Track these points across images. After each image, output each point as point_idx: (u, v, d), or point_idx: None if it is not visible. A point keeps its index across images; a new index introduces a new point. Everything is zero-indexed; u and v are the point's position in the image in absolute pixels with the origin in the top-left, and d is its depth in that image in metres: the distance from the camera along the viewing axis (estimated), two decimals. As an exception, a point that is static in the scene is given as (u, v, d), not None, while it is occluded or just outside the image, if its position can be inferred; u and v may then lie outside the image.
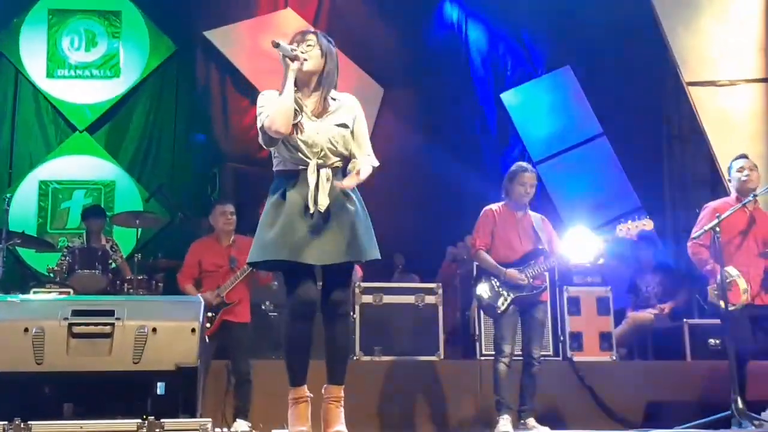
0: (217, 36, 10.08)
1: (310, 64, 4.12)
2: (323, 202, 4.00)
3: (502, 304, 5.96)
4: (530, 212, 6.24)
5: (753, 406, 5.69)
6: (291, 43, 4.17)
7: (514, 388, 5.98)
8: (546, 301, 6.20)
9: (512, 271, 5.97)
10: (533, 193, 6.17)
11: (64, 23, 9.95)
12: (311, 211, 4.00)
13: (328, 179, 4.05)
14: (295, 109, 4.06)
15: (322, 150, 4.08)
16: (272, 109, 4.01)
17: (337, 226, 4.05)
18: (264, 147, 4.15)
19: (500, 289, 6.00)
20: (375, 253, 4.15)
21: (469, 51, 10.57)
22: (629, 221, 6.06)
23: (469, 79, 10.54)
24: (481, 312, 7.11)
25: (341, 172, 4.15)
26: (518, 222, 6.15)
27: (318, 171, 4.04)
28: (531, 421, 5.87)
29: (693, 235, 6.10)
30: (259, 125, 4.07)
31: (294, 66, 4.05)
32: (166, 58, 10.07)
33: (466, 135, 10.44)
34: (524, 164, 6.28)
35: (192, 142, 9.72)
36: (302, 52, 4.11)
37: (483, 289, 6.08)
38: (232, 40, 10.14)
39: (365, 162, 4.12)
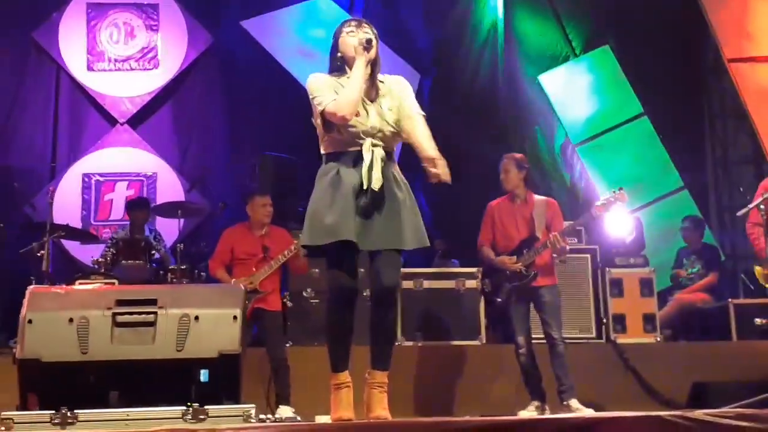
0: (254, 25, 10.09)
1: (372, 52, 4.18)
2: (377, 181, 4.04)
3: (500, 295, 6.21)
4: (535, 198, 6.37)
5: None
6: (346, 27, 4.27)
7: (546, 373, 6.16)
8: (549, 284, 6.21)
9: (503, 258, 6.20)
10: (509, 178, 6.32)
11: (103, 16, 10.02)
12: (365, 187, 4.03)
13: (382, 159, 4.10)
14: None
15: (378, 131, 4.14)
16: (341, 95, 4.08)
17: (387, 212, 4.08)
18: (323, 129, 4.18)
19: (499, 282, 6.23)
20: (419, 242, 4.17)
21: (507, 32, 10.48)
22: (603, 196, 6.15)
23: (507, 61, 10.45)
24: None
25: (393, 156, 4.23)
26: (516, 211, 6.33)
27: (372, 151, 4.08)
28: (574, 403, 5.94)
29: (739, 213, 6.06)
30: (319, 108, 4.11)
31: (369, 55, 4.13)
32: (205, 49, 10.11)
33: (505, 118, 10.36)
34: (505, 155, 6.47)
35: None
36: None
37: (486, 284, 6.42)
38: (270, 29, 10.15)
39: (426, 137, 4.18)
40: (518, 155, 6.51)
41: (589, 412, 5.81)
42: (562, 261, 6.63)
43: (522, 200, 6.33)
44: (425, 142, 4.15)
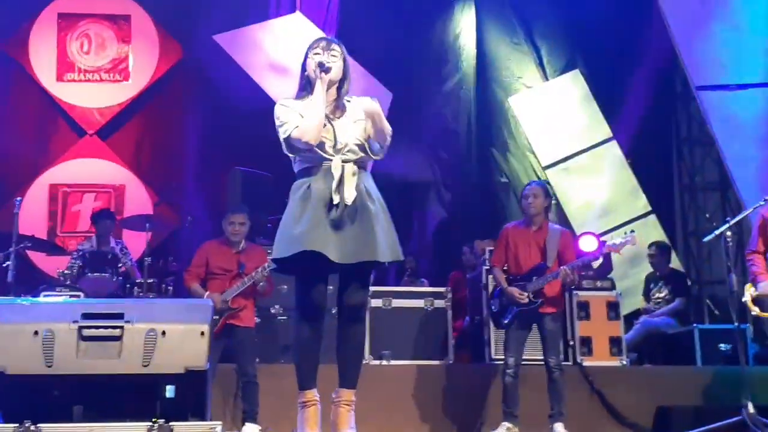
0: (226, 40, 10.08)
1: (333, 74, 4.21)
2: (350, 196, 4.04)
3: (507, 318, 6.31)
4: (550, 225, 6.50)
5: (763, 411, 5.68)
6: (314, 47, 4.27)
7: (525, 398, 6.25)
8: (553, 312, 6.31)
9: (512, 290, 6.28)
10: (536, 204, 6.39)
11: (74, 27, 9.96)
12: (335, 203, 4.03)
13: (353, 174, 4.11)
14: None
15: (345, 146, 4.14)
16: (304, 120, 4.08)
17: (359, 225, 4.07)
18: (287, 154, 4.21)
19: (507, 304, 6.32)
20: (394, 256, 4.17)
21: (479, 54, 10.55)
22: (615, 237, 6.38)
23: (478, 83, 10.52)
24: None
25: (365, 171, 4.23)
26: (531, 237, 6.40)
27: (343, 167, 4.09)
28: (557, 426, 6.08)
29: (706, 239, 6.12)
30: (283, 135, 4.14)
31: (327, 78, 4.14)
32: (176, 62, 10.08)
33: (476, 140, 10.42)
34: (531, 182, 6.73)
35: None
36: (327, 62, 4.20)
37: (494, 303, 6.50)
38: (242, 44, 10.14)
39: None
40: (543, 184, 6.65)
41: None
42: None
43: (538, 227, 6.41)
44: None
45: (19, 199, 8.21)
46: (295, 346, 4.24)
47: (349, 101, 4.31)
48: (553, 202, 10.12)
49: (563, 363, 7.36)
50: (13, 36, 9.77)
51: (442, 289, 7.58)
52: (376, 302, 7.33)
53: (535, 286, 6.21)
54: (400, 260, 4.24)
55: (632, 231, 6.43)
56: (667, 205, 10.36)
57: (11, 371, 3.88)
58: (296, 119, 4.11)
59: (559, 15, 10.54)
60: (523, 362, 6.34)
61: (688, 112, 10.46)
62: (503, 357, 6.36)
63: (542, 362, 6.32)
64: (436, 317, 7.41)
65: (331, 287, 4.35)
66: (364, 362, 6.83)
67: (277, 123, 4.19)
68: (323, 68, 4.14)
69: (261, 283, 6.47)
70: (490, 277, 7.41)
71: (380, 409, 6.61)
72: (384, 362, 7.17)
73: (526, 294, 6.20)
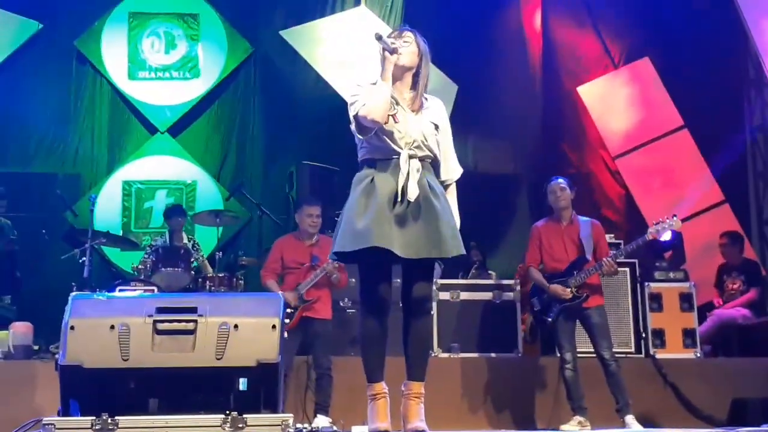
0: (292, 35, 10.15)
1: (406, 59, 4.23)
2: (413, 192, 4.05)
3: (550, 315, 6.28)
4: (580, 219, 6.45)
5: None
6: (389, 36, 4.28)
7: (590, 389, 6.22)
8: (596, 305, 6.29)
9: (555, 287, 6.27)
10: (565, 196, 6.41)
11: (144, 25, 10.11)
12: (400, 200, 4.04)
13: (418, 170, 4.11)
14: (393, 100, 4.14)
15: (414, 141, 4.16)
16: (369, 98, 4.08)
17: (423, 220, 4.07)
18: (356, 135, 4.20)
19: (549, 301, 6.30)
20: (457, 250, 4.15)
21: (545, 44, 10.44)
22: (657, 222, 6.27)
23: (545, 72, 10.41)
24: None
25: (429, 166, 4.23)
26: (563, 233, 6.40)
27: (409, 161, 4.09)
28: (628, 419, 6.04)
29: None
30: (352, 113, 4.15)
31: (392, 58, 4.15)
32: (244, 59, 10.19)
33: (543, 130, 10.33)
34: (553, 178, 6.55)
35: None
36: (394, 43, 4.20)
37: (536, 302, 6.45)
38: (307, 39, 10.19)
39: (453, 189, 4.40)
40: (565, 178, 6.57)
41: (638, 428, 5.82)
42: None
43: (568, 221, 6.42)
44: (448, 168, 4.35)
45: (94, 195, 8.44)
46: (362, 339, 4.26)
47: (426, 98, 4.31)
48: (623, 192, 10.11)
49: (635, 354, 7.32)
50: (85, 34, 9.96)
51: (510, 282, 7.54)
52: (443, 295, 7.34)
53: (578, 280, 6.20)
54: (463, 254, 4.22)
55: (674, 215, 6.33)
56: (741, 193, 10.14)
57: (88, 365, 3.96)
58: (365, 98, 4.13)
59: (627, 1, 10.38)
60: (580, 356, 6.32)
61: (761, 98, 10.21)
62: (559, 355, 6.33)
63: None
64: (504, 310, 7.39)
65: (397, 280, 4.36)
66: (432, 355, 6.93)
67: (349, 101, 4.22)
68: (389, 48, 4.14)
69: (334, 275, 6.53)
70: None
71: (449, 402, 6.63)
72: (453, 355, 7.18)
73: (569, 290, 6.18)
